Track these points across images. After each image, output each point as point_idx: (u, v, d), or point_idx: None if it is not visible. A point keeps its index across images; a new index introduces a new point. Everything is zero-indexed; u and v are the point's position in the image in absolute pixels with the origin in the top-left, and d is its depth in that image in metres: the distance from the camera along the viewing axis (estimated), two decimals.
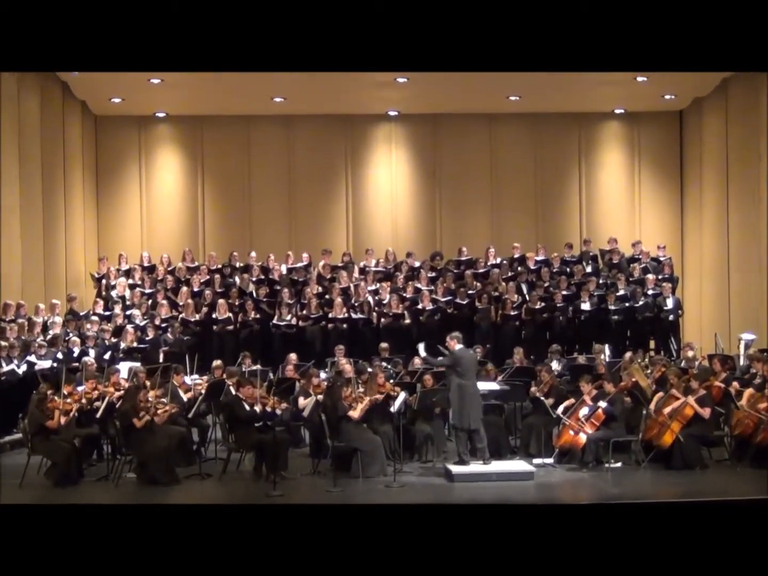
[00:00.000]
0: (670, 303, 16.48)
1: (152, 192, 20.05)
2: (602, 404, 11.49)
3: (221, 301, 16.26)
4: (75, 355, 14.04)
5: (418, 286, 16.83)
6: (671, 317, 16.46)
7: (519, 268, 17.57)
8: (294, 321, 16.10)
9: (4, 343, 13.03)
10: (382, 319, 16.16)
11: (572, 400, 12.04)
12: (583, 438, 11.46)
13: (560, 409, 11.85)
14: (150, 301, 16.48)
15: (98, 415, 11.50)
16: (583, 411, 11.62)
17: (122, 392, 11.60)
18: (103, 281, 17.25)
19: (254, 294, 16.75)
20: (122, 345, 14.80)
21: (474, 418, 11.10)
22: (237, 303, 16.49)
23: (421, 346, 11.90)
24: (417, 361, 13.75)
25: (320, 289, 16.93)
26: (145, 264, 17.76)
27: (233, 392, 11.75)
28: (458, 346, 11.39)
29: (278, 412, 11.56)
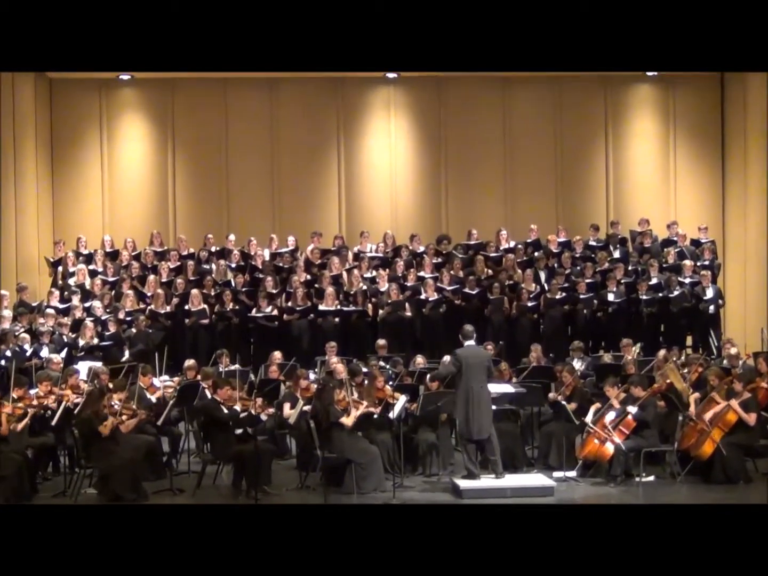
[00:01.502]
0: (710, 292, 16.45)
1: (115, 166, 19.98)
2: (632, 409, 11.46)
3: (195, 291, 16.22)
4: (27, 354, 14.00)
5: (421, 273, 16.80)
6: (711, 309, 16.43)
7: (536, 253, 17.55)
8: (276, 313, 16.06)
9: None
10: (380, 311, 16.12)
11: (597, 406, 12.03)
12: (610, 448, 11.44)
13: (589, 416, 11.82)
14: (113, 292, 16.44)
15: (54, 422, 11.46)
16: (610, 416, 11.60)
17: (82, 396, 11.57)
18: (59, 268, 17.19)
19: (232, 283, 16.72)
20: (81, 342, 14.77)
21: (482, 426, 11.10)
22: (213, 293, 16.45)
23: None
24: (419, 360, 13.75)
25: (308, 277, 16.89)
26: (108, 249, 17.70)
27: (209, 395, 11.72)
28: (467, 343, 11.38)
29: (263, 417, 11.58)
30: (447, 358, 13.49)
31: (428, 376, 12.15)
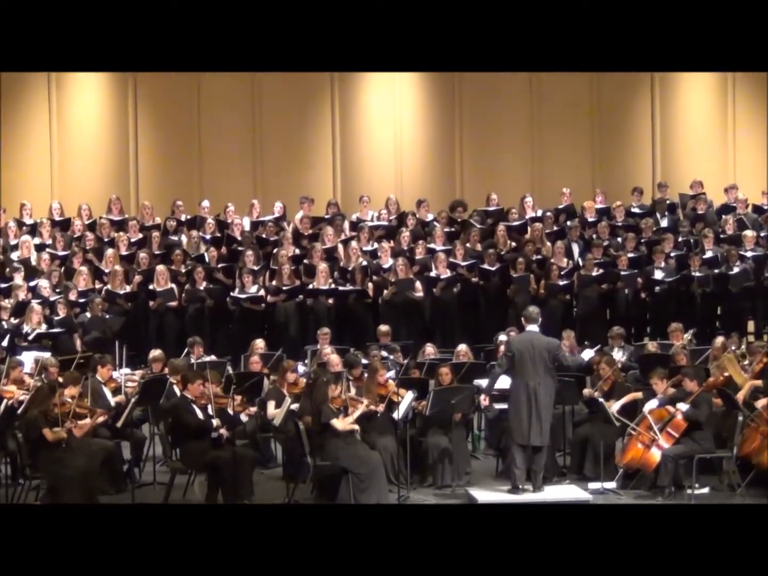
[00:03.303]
0: None
1: (65, 119, 19.97)
2: (682, 406, 11.41)
3: (161, 267, 16.20)
4: None
5: (431, 246, 16.77)
6: None
7: (569, 222, 17.52)
8: (261, 294, 16.02)
9: None
10: (384, 292, 16.08)
11: (635, 395, 12.06)
12: (656, 454, 11.40)
13: (616, 406, 11.83)
14: (63, 268, 16.41)
15: None
16: (651, 404, 11.62)
17: (27, 393, 11.54)
18: None
19: (206, 258, 16.69)
20: (26, 328, 14.77)
21: (543, 431, 11.14)
22: (182, 270, 16.43)
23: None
24: (429, 350, 13.74)
25: (297, 250, 16.87)
26: (57, 217, 17.68)
27: (178, 392, 11.71)
28: (529, 327, 11.42)
29: (243, 418, 11.58)
30: (462, 347, 13.49)
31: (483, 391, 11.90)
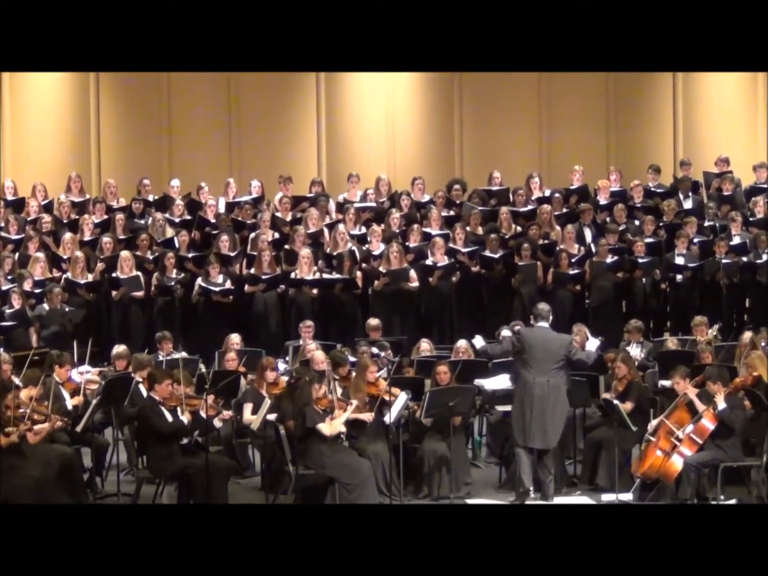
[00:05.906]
0: None
1: (19, 89, 19.94)
2: (721, 406, 11.34)
3: (125, 253, 16.17)
4: None
5: (427, 230, 16.74)
6: None
7: (581, 204, 17.49)
8: (229, 284, 16.00)
9: None
10: (376, 281, 16.07)
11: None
12: (678, 462, 11.39)
13: (652, 425, 11.79)
14: (17, 254, 16.37)
15: None
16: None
17: None
18: None
19: (176, 243, 16.66)
20: None
21: (546, 433, 11.29)
22: (150, 256, 16.41)
23: (477, 339, 12.15)
24: (425, 346, 13.71)
25: (277, 235, 16.85)
26: (9, 197, 17.65)
27: (145, 393, 11.70)
28: (539, 324, 11.55)
29: (217, 423, 11.54)
30: (462, 343, 13.46)
31: (477, 343, 12.16)
